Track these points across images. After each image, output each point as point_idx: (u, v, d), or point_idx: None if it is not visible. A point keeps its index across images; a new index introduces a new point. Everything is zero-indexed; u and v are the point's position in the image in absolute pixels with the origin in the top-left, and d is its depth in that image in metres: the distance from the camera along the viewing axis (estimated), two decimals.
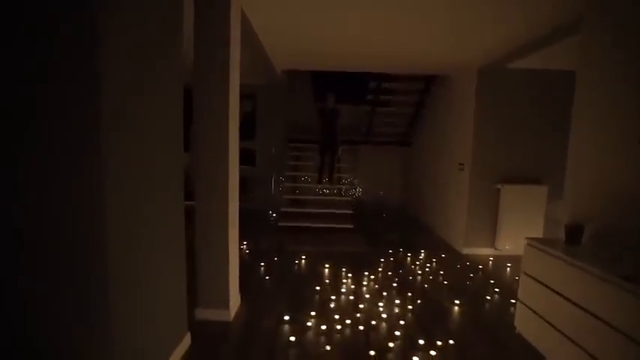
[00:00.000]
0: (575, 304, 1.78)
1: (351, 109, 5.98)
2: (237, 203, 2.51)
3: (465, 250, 4.09)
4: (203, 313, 2.36)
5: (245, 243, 4.07)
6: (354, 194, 6.05)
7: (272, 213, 5.57)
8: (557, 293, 1.91)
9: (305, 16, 2.78)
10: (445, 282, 3.21)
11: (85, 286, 1.27)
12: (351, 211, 5.11)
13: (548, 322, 1.98)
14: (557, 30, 2.72)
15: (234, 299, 2.50)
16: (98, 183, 1.22)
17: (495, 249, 4.04)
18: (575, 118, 2.39)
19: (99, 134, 1.21)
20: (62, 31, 1.17)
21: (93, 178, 1.22)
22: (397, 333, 2.27)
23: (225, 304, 2.36)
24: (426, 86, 5.48)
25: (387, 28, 2.97)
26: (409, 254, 3.94)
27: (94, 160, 1.22)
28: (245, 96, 5.74)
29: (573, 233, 2.08)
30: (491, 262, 3.82)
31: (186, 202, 1.97)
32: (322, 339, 2.19)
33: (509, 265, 3.70)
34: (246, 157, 5.71)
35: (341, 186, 5.59)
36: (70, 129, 1.21)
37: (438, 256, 3.94)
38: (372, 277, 3.25)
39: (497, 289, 3.06)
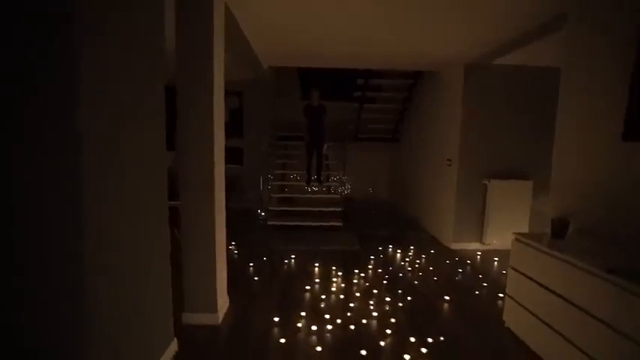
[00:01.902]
0: (561, 297, 1.81)
1: (338, 106, 5.95)
2: (224, 202, 2.46)
3: (454, 246, 4.13)
4: (190, 318, 2.31)
5: (233, 243, 4.02)
6: (343, 192, 6.00)
7: (261, 212, 5.51)
8: (544, 287, 1.94)
9: (290, 11, 2.73)
10: (435, 278, 3.23)
11: (62, 293, 1.21)
12: (340, 209, 5.10)
13: (536, 316, 2.02)
14: (543, 26, 2.76)
15: (222, 302, 2.45)
16: (76, 182, 1.17)
17: (483, 244, 4.11)
18: (560, 114, 2.43)
19: (77, 133, 1.16)
20: (39, 30, 1.12)
21: (71, 178, 1.17)
22: (388, 331, 2.27)
23: (212, 307, 2.32)
24: (413, 82, 5.51)
25: (374, 24, 2.95)
26: (399, 251, 3.96)
27: (72, 159, 1.16)
28: (231, 93, 5.66)
29: (559, 228, 2.12)
30: (479, 256, 3.88)
31: (171, 202, 1.92)
32: (313, 340, 2.17)
33: (496, 259, 3.76)
34: (233, 156, 5.63)
35: (330, 184, 5.57)
36: (46, 129, 1.15)
37: (427, 252, 3.98)
38: (363, 274, 3.25)
39: (485, 284, 3.11)
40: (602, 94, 2.08)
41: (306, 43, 3.57)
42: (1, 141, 1.16)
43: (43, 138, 1.15)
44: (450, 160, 4.22)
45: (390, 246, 4.13)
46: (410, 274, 3.30)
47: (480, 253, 3.98)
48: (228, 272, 2.59)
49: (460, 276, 3.31)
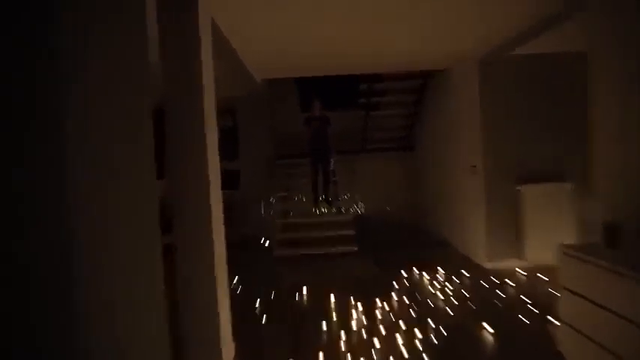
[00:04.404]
0: (625, 318, 1.70)
1: (342, 116, 6.02)
2: (223, 233, 2.44)
3: (489, 264, 4.02)
4: None
5: (236, 279, 3.96)
6: (356, 211, 6.04)
7: (265, 241, 5.50)
8: (604, 308, 1.83)
9: (280, 23, 2.79)
10: (471, 304, 3.12)
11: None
12: (353, 232, 5.06)
13: (597, 344, 1.89)
14: (566, 7, 2.73)
15: (227, 351, 2.37)
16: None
17: (523, 260, 3.97)
18: (593, 104, 2.38)
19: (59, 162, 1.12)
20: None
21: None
22: None
23: (216, 357, 2.23)
24: (423, 83, 5.54)
25: (373, 20, 2.96)
26: (425, 274, 3.86)
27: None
28: (224, 111, 5.73)
29: (612, 234, 2.03)
30: (520, 275, 3.74)
31: (165, 237, 1.87)
32: None
33: (542, 277, 3.61)
34: (229, 180, 5.62)
35: (340, 203, 5.58)
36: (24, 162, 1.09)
37: (458, 273, 3.87)
38: (386, 305, 3.15)
39: (532, 308, 2.97)
40: (636, 75, 2.03)
41: (300, 55, 3.64)
42: None
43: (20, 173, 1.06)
44: (475, 165, 4.16)
45: (414, 269, 4.03)
46: (441, 302, 3.20)
47: (520, 270, 3.84)
48: (232, 314, 2.53)
49: (500, 300, 3.19)
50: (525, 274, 3.75)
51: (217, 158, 2.39)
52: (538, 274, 3.66)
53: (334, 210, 5.45)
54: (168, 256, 1.96)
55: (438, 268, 4.02)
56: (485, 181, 3.99)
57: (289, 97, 6.61)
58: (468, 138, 4.28)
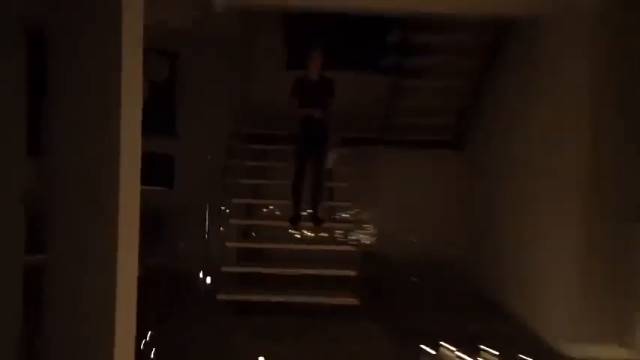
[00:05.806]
0: None
1: (356, 82, 6.07)
2: (136, 260, 2.39)
3: (574, 350, 4.02)
4: None
5: (148, 338, 3.87)
6: (362, 240, 6.13)
7: (205, 276, 5.54)
8: None
9: None
10: None
11: None
12: (354, 273, 5.08)
13: None
14: None
15: None
16: None
17: (629, 347, 3.98)
18: None
19: None
20: None
21: None
22: None
23: None
24: (494, 41, 5.56)
25: None
26: (465, 358, 3.85)
27: None
28: (159, 52, 5.77)
29: None
30: None
31: (30, 257, 1.99)
32: None
33: None
34: (157, 170, 5.60)
35: (336, 225, 5.72)
36: None
37: None
38: None
39: None
40: None
41: None
42: None
43: None
44: (569, 187, 4.15)
45: (455, 351, 3.97)
46: None
47: None
48: None
49: None
50: None
51: (139, 128, 2.36)
52: None
53: (325, 234, 5.58)
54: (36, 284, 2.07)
55: (487, 349, 3.96)
56: (582, 213, 3.99)
57: (271, 45, 6.69)
58: (562, 138, 4.31)
